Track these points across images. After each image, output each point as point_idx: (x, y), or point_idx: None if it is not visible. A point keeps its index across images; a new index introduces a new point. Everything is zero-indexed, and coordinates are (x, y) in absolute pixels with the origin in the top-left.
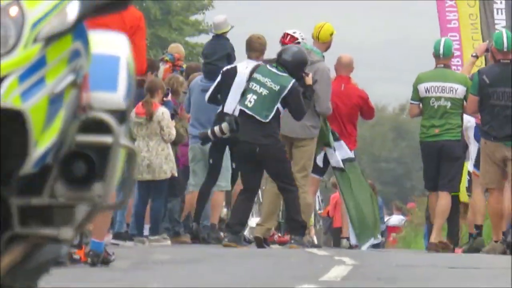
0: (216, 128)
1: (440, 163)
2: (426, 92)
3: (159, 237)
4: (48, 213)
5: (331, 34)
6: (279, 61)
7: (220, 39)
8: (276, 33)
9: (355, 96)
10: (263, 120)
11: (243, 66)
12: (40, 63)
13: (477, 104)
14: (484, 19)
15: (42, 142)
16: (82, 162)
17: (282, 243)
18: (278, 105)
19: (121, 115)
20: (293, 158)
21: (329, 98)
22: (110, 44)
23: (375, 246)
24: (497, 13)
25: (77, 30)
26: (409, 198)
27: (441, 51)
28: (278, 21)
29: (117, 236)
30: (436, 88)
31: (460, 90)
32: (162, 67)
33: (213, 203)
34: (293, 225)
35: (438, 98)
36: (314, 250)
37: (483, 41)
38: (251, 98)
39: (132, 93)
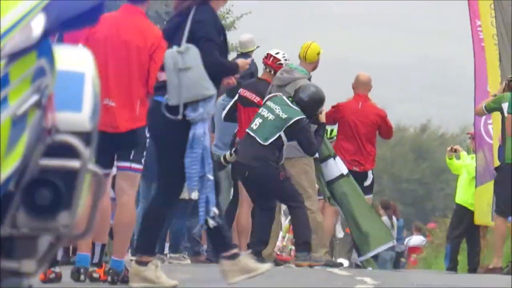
0: (222, 156)
1: None
2: None
3: (179, 256)
4: (10, 245)
5: (318, 54)
6: (295, 99)
7: (245, 57)
8: (295, 53)
9: (373, 114)
10: (262, 143)
11: None
12: (3, 82)
13: None
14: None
15: (4, 167)
16: (47, 190)
17: (282, 261)
18: (282, 134)
19: (87, 137)
20: (293, 180)
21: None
22: (73, 60)
23: (395, 266)
24: None
25: (42, 46)
26: (430, 219)
27: None
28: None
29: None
30: None
31: None
32: None
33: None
34: (297, 241)
35: None
36: (335, 270)
37: (500, 60)
38: (257, 121)
39: (98, 113)
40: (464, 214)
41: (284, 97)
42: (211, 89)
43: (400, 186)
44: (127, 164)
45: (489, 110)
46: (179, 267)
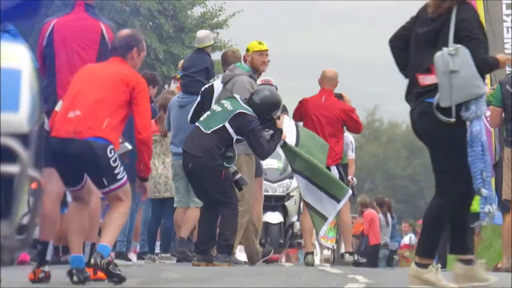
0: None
1: None
2: None
3: (170, 255)
4: None
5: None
6: (249, 102)
7: (201, 53)
8: (296, 52)
9: (337, 109)
10: (205, 131)
11: (218, 82)
12: None
13: (501, 116)
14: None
15: None
16: None
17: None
18: (228, 126)
19: (25, 139)
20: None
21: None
22: (8, 56)
23: (389, 264)
24: (508, 32)
25: None
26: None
27: None
28: (295, 40)
29: (119, 255)
30: None
31: None
32: (174, 85)
33: (186, 218)
34: (220, 242)
35: None
36: (327, 268)
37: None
38: (206, 114)
39: (37, 113)
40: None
41: (239, 98)
42: (482, 87)
43: (393, 183)
44: (106, 189)
45: (487, 103)
46: (169, 267)
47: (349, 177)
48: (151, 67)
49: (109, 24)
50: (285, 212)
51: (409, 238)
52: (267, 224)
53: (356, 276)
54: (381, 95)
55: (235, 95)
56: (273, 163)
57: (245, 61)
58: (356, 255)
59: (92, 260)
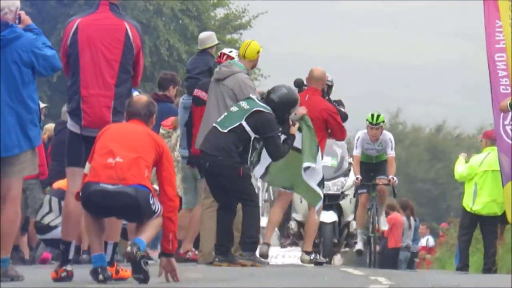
0: None
1: None
2: None
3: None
4: None
5: (258, 52)
6: (266, 100)
7: (204, 54)
8: (311, 52)
9: (319, 108)
10: (222, 130)
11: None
12: None
13: None
14: None
15: None
16: None
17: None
18: (245, 124)
19: None
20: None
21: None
22: None
23: (410, 266)
24: None
25: None
26: (445, 219)
27: None
28: (314, 40)
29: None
30: None
31: None
32: None
33: (192, 219)
34: (245, 240)
35: None
36: (349, 269)
37: None
38: (223, 115)
39: None
40: (472, 216)
41: (255, 98)
42: None
43: (415, 186)
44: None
45: None
46: (189, 267)
47: (390, 177)
48: (174, 67)
49: (133, 23)
50: (340, 211)
51: (426, 240)
52: (320, 224)
53: (378, 278)
54: (405, 99)
55: (251, 95)
56: (327, 160)
57: (220, 63)
58: (315, 255)
59: (128, 249)
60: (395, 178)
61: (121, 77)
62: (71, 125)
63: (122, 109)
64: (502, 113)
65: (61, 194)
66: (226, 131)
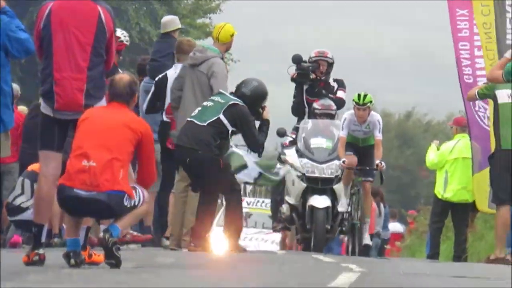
0: None
1: None
2: (509, 97)
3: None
4: None
5: (232, 35)
6: (237, 94)
7: (167, 38)
8: (283, 39)
9: None
10: (200, 124)
11: (172, 71)
12: None
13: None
14: (499, 28)
15: None
16: None
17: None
18: (223, 118)
19: None
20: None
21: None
22: None
23: (380, 254)
24: (510, 22)
25: None
26: (414, 206)
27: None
28: (288, 25)
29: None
30: None
31: None
32: None
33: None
34: (230, 230)
35: None
36: (320, 256)
37: (498, 50)
38: (197, 110)
39: None
40: (443, 204)
41: (226, 93)
42: None
43: (385, 173)
44: None
45: (482, 96)
46: (161, 252)
47: (377, 161)
48: (145, 51)
49: (106, 7)
50: (333, 196)
51: (393, 226)
52: (312, 209)
53: (349, 265)
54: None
55: (221, 90)
56: (322, 142)
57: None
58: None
59: (101, 235)
60: (383, 163)
61: (93, 60)
62: (44, 108)
63: (94, 92)
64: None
65: (34, 177)
66: (205, 124)
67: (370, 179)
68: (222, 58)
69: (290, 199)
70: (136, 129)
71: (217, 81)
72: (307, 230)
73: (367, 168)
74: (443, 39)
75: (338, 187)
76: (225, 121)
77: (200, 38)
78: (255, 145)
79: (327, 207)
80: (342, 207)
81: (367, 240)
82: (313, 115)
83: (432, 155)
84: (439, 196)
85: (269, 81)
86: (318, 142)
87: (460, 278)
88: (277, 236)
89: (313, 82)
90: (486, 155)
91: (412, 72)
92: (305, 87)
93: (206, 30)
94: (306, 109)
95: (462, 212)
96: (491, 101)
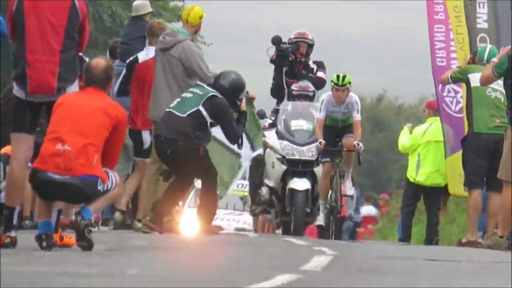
0: None
1: (494, 160)
2: None
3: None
4: None
5: (200, 17)
6: (216, 86)
7: (138, 21)
8: (255, 21)
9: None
10: (180, 115)
11: (143, 54)
12: None
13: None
14: (467, 12)
15: None
16: None
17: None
18: (202, 109)
19: None
20: None
21: (208, 68)
22: None
23: (352, 237)
24: (479, 6)
25: None
26: (386, 190)
27: (485, 57)
28: (260, 9)
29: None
30: None
31: None
32: None
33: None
34: (206, 213)
35: (495, 90)
36: (292, 239)
37: (468, 34)
38: (176, 101)
39: None
40: (416, 187)
41: (204, 85)
42: None
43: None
44: None
45: (454, 80)
46: (133, 234)
47: (355, 142)
48: (116, 33)
49: None
50: (314, 179)
51: (367, 210)
52: (292, 191)
53: (322, 248)
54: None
55: (199, 82)
56: (302, 124)
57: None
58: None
59: (73, 217)
60: (360, 144)
61: (66, 43)
62: (17, 91)
63: (67, 75)
64: (440, 85)
65: (6, 159)
66: (184, 115)
67: (351, 135)
68: (192, 41)
69: (269, 182)
70: (112, 114)
71: (194, 62)
72: (287, 213)
73: (344, 150)
74: (415, 21)
75: (319, 170)
76: (204, 113)
77: (172, 21)
78: (234, 137)
79: (307, 190)
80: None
81: (349, 190)
82: (291, 96)
83: (404, 139)
84: (411, 180)
85: (240, 63)
86: (298, 124)
87: (432, 261)
88: (249, 217)
89: (293, 63)
90: (458, 138)
91: (383, 55)
92: (284, 69)
93: (178, 13)
94: (286, 91)
95: (434, 196)
96: (464, 85)
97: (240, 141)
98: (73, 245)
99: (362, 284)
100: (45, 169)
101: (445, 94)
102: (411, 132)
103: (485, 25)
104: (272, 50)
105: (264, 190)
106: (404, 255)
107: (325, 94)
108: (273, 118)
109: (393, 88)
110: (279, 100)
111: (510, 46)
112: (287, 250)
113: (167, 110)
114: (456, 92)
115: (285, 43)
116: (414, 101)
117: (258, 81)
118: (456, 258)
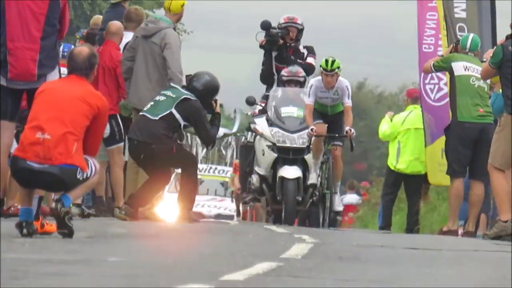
0: None
1: (477, 149)
2: (465, 70)
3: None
4: None
5: (182, 5)
6: (189, 87)
7: (117, 7)
8: (236, 10)
9: (109, 58)
10: (152, 118)
11: (123, 42)
12: None
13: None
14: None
15: None
16: None
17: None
18: (175, 112)
19: None
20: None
21: (180, 63)
22: None
23: (332, 224)
24: None
25: None
26: (366, 178)
27: (468, 46)
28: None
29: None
30: (475, 69)
31: None
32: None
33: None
34: (185, 201)
35: (478, 79)
36: (273, 227)
37: (446, 24)
38: (149, 104)
39: None
40: (396, 175)
41: (178, 86)
42: None
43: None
44: None
45: (437, 68)
46: (114, 222)
47: (347, 128)
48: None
49: None
50: (305, 167)
51: (350, 198)
52: (282, 179)
53: (302, 236)
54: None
55: (172, 84)
56: (293, 110)
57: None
58: (84, 208)
59: (53, 205)
60: (352, 130)
61: (47, 30)
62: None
63: (47, 62)
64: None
65: None
66: (157, 118)
67: (340, 143)
68: (175, 29)
69: (260, 170)
70: (93, 103)
71: (171, 52)
72: (278, 202)
73: (336, 135)
74: (396, 9)
75: (310, 158)
76: (177, 116)
77: (153, 8)
78: (208, 139)
79: (298, 178)
80: (312, 179)
81: (339, 206)
82: (281, 82)
83: (384, 127)
84: (392, 168)
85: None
86: (289, 111)
87: (412, 249)
88: (230, 203)
89: (282, 48)
90: (437, 127)
91: (363, 42)
92: (274, 54)
93: (159, 1)
94: (276, 77)
95: (415, 184)
96: (488, 68)
97: (213, 143)
98: (54, 232)
99: (342, 272)
100: (25, 158)
101: (427, 81)
102: (391, 120)
103: (463, 15)
104: (262, 35)
105: (254, 178)
106: (384, 243)
107: (313, 79)
108: (263, 105)
109: (373, 76)
110: (269, 86)
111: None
112: (267, 238)
113: (141, 113)
114: (440, 79)
115: (274, 28)
116: (395, 89)
117: (238, 68)
118: (437, 247)
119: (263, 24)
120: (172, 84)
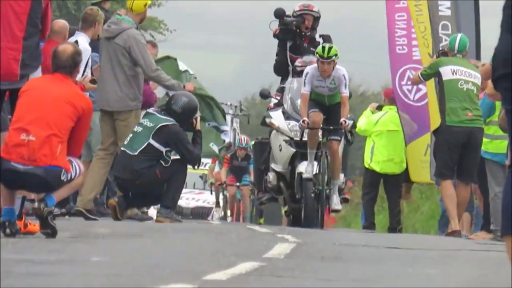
0: None
1: (465, 152)
2: (453, 74)
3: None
4: None
5: (145, 5)
6: (168, 111)
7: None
8: (217, 8)
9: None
10: (131, 153)
11: (73, 39)
12: None
13: None
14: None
15: None
16: None
17: None
18: (153, 142)
19: None
20: (117, 134)
21: (151, 60)
22: None
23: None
24: None
25: None
26: (349, 177)
27: (456, 47)
28: None
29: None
30: (463, 72)
31: (479, 77)
32: None
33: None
34: (167, 199)
35: (466, 82)
36: (256, 227)
37: (430, 22)
38: (129, 137)
39: None
40: (373, 174)
41: (157, 113)
42: None
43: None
44: None
45: (426, 77)
46: (97, 222)
47: (342, 120)
48: None
49: None
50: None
51: None
52: (301, 176)
53: (285, 235)
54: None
55: (149, 110)
56: None
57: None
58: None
59: (36, 204)
60: (347, 121)
61: (29, 30)
62: None
63: (30, 62)
64: (399, 73)
65: None
66: (136, 153)
67: (337, 137)
68: (137, 29)
69: (276, 167)
70: (78, 105)
71: (138, 53)
72: (297, 200)
73: (331, 128)
74: (377, 8)
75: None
76: (157, 145)
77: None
78: (192, 159)
79: (315, 175)
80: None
81: (337, 205)
82: (295, 73)
83: (362, 121)
84: (367, 166)
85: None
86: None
87: (395, 249)
88: (208, 196)
89: (296, 38)
90: (418, 127)
91: (345, 41)
92: (288, 44)
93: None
94: (290, 68)
95: (394, 183)
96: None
97: (198, 163)
98: (37, 232)
99: (325, 272)
100: (9, 159)
101: (403, 82)
102: (372, 113)
103: (448, 12)
104: (275, 24)
105: (271, 176)
106: (367, 243)
107: (309, 67)
108: (278, 98)
109: (354, 75)
110: (283, 78)
111: None
112: (250, 238)
113: (121, 149)
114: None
115: (289, 16)
116: (378, 89)
117: (222, 65)
118: (419, 246)
119: (276, 12)
120: (148, 110)
